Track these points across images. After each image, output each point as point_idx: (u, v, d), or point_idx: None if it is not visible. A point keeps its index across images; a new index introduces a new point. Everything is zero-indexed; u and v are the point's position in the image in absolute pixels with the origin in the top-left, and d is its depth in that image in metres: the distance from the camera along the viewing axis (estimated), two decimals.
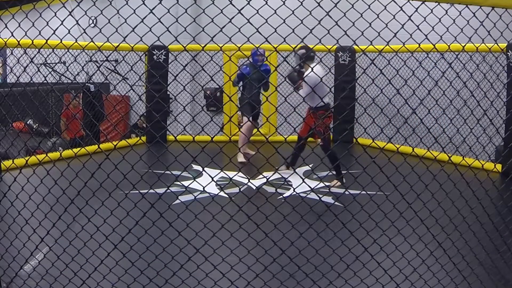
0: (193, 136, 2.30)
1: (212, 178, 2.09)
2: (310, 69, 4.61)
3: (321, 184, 4.50)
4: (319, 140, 4.69)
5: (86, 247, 2.37)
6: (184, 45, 2.00)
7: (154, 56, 6.83)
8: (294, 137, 5.09)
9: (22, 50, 2.77)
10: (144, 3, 1.92)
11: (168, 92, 7.03)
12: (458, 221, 2.26)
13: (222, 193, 2.79)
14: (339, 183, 4.68)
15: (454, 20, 2.05)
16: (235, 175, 4.68)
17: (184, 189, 2.96)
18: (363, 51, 3.14)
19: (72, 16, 2.04)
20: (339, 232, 2.25)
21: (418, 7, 1.92)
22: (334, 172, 4.78)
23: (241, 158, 5.53)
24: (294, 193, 4.14)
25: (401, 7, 1.97)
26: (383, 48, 2.07)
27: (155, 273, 2.19)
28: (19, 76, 2.50)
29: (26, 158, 4.81)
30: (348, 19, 2.01)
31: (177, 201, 2.67)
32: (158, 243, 2.21)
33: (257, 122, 6.06)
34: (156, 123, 6.04)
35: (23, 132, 8.49)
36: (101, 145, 5.51)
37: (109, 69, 7.91)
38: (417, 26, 1.97)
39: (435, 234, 2.26)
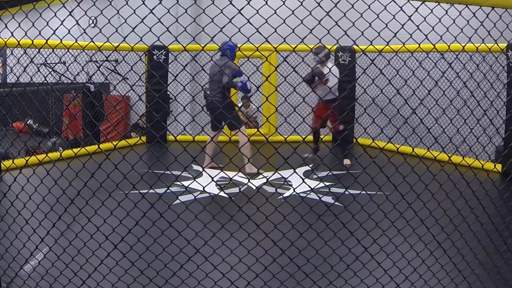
0: (193, 136, 2.30)
1: (212, 178, 2.09)
2: (328, 68, 5.29)
3: (321, 184, 4.50)
4: (340, 126, 5.52)
5: (86, 247, 2.37)
6: (184, 45, 2.00)
7: (154, 56, 6.83)
8: (294, 137, 5.08)
9: (22, 50, 2.78)
10: (144, 3, 1.92)
11: (168, 92, 7.03)
12: (458, 221, 2.25)
13: (222, 193, 2.80)
14: (349, 162, 5.42)
15: (454, 20, 2.05)
16: (235, 175, 4.68)
17: (184, 189, 2.96)
18: (363, 51, 3.14)
19: (72, 16, 2.04)
20: (339, 232, 2.25)
21: (418, 7, 1.92)
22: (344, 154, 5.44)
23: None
24: (294, 193, 4.14)
25: (401, 7, 1.97)
26: (383, 48, 2.07)
27: (155, 273, 2.19)
28: (19, 76, 2.50)
29: (26, 158, 4.81)
30: (348, 19, 2.01)
31: (177, 201, 2.67)
32: (158, 243, 2.21)
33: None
34: (156, 123, 6.03)
35: (23, 132, 8.48)
36: (101, 145, 5.50)
37: (109, 69, 7.91)
38: (417, 26, 1.97)
39: (435, 234, 2.25)
